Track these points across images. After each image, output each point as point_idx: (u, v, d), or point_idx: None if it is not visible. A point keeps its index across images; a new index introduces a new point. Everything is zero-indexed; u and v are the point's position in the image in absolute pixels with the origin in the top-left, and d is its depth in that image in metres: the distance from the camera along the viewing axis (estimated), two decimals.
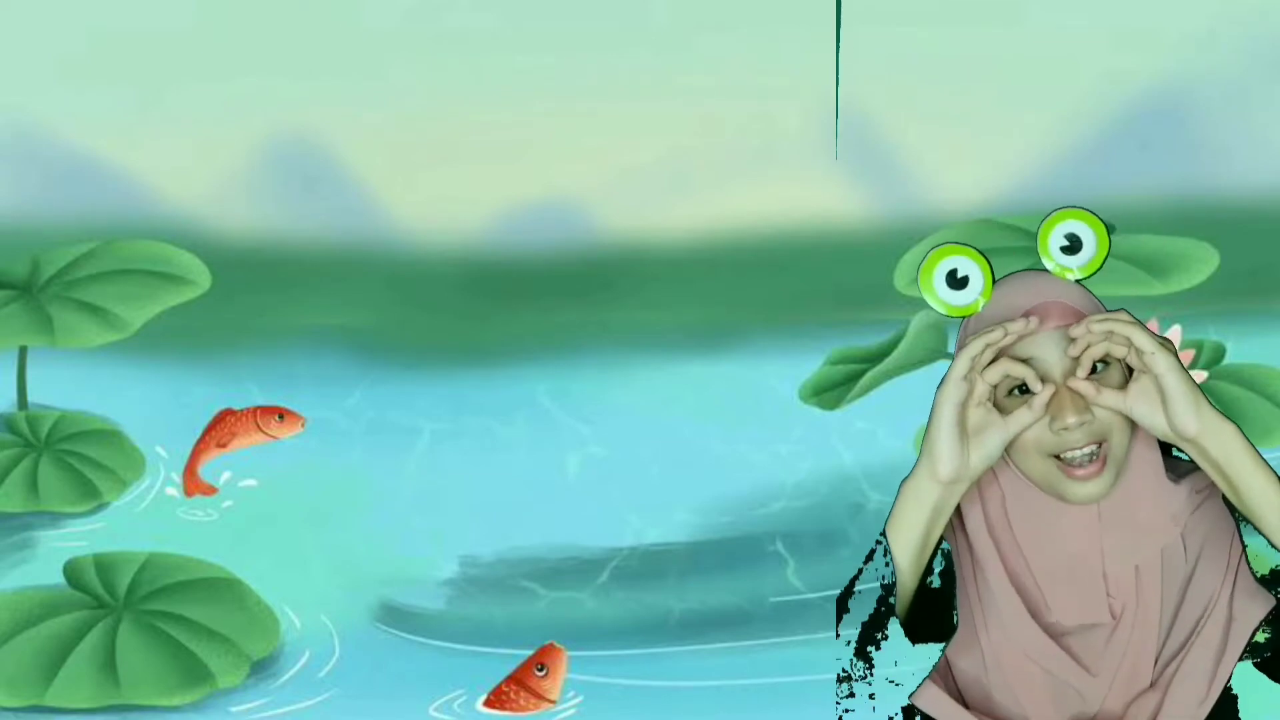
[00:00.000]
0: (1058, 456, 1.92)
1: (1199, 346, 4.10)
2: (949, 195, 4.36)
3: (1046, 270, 1.97)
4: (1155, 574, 1.93)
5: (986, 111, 4.34)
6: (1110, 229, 1.98)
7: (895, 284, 4.31)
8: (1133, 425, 1.93)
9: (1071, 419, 1.89)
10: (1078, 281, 1.97)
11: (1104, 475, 1.91)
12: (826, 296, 4.39)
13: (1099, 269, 1.96)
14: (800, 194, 4.36)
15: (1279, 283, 4.36)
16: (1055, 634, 1.93)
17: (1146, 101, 4.36)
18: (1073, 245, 1.96)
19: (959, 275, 1.96)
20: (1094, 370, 1.92)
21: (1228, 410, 4.42)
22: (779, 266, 4.36)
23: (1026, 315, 1.93)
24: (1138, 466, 1.95)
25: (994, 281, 1.97)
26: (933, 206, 4.36)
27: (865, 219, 4.38)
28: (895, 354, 4.29)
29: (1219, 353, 4.24)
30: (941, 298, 1.96)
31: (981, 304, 1.96)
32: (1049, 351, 1.92)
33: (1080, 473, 1.90)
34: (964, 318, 1.99)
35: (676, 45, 4.30)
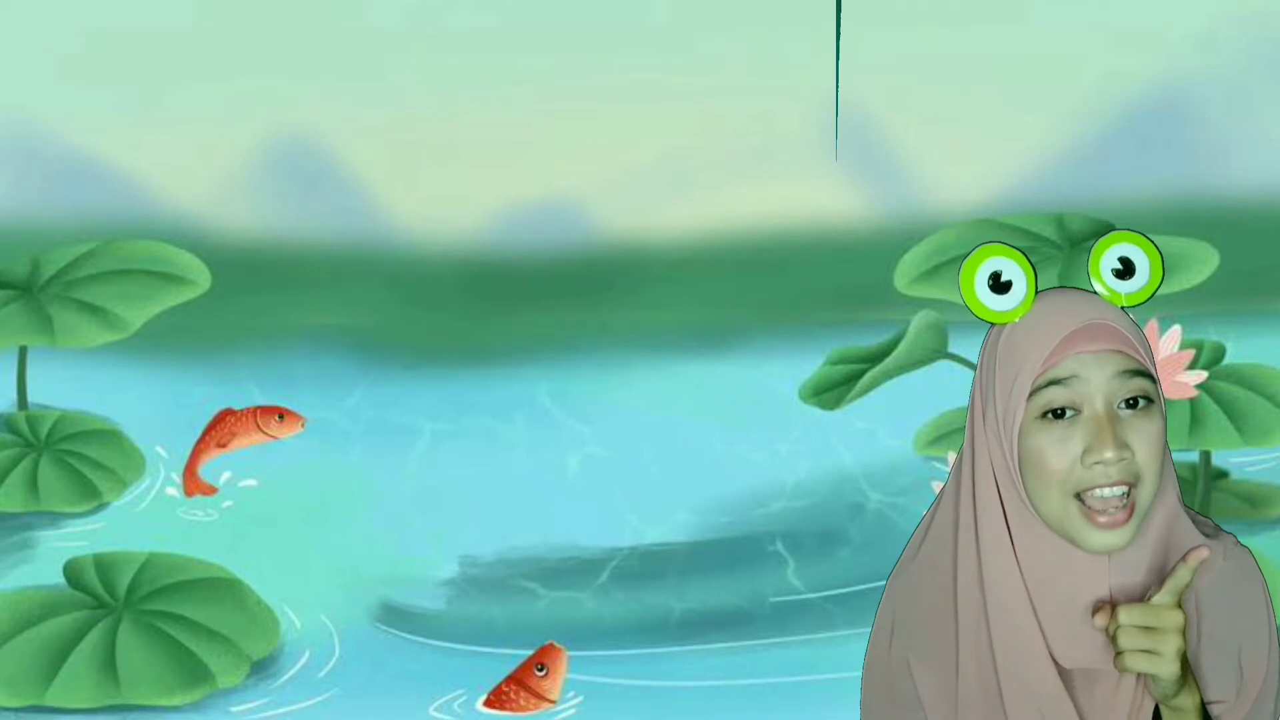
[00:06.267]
0: (1080, 497, 1.77)
1: (1199, 346, 4.10)
2: (949, 195, 4.35)
3: (1088, 290, 1.84)
4: None
5: (986, 111, 4.34)
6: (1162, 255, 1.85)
7: (895, 284, 4.31)
8: (1163, 468, 1.80)
9: (1109, 453, 1.74)
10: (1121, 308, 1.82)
11: (1128, 526, 1.76)
12: (826, 296, 4.39)
13: (1149, 298, 1.83)
14: (800, 194, 4.36)
15: (1279, 283, 4.36)
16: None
17: (1146, 101, 4.35)
18: (1125, 269, 1.83)
19: (1003, 279, 1.81)
20: (1135, 405, 1.78)
21: (1228, 410, 4.45)
22: (779, 266, 4.36)
23: (1066, 340, 1.78)
24: (1159, 520, 1.81)
25: (1036, 294, 1.82)
26: (933, 206, 4.36)
27: (865, 219, 4.38)
28: (895, 354, 4.29)
29: (1219, 353, 4.24)
30: (980, 299, 1.82)
31: (1019, 315, 1.82)
32: (1093, 373, 1.77)
33: (1104, 520, 1.75)
34: (996, 324, 1.84)
35: (676, 45, 4.30)
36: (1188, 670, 1.76)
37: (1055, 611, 1.80)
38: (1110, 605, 1.77)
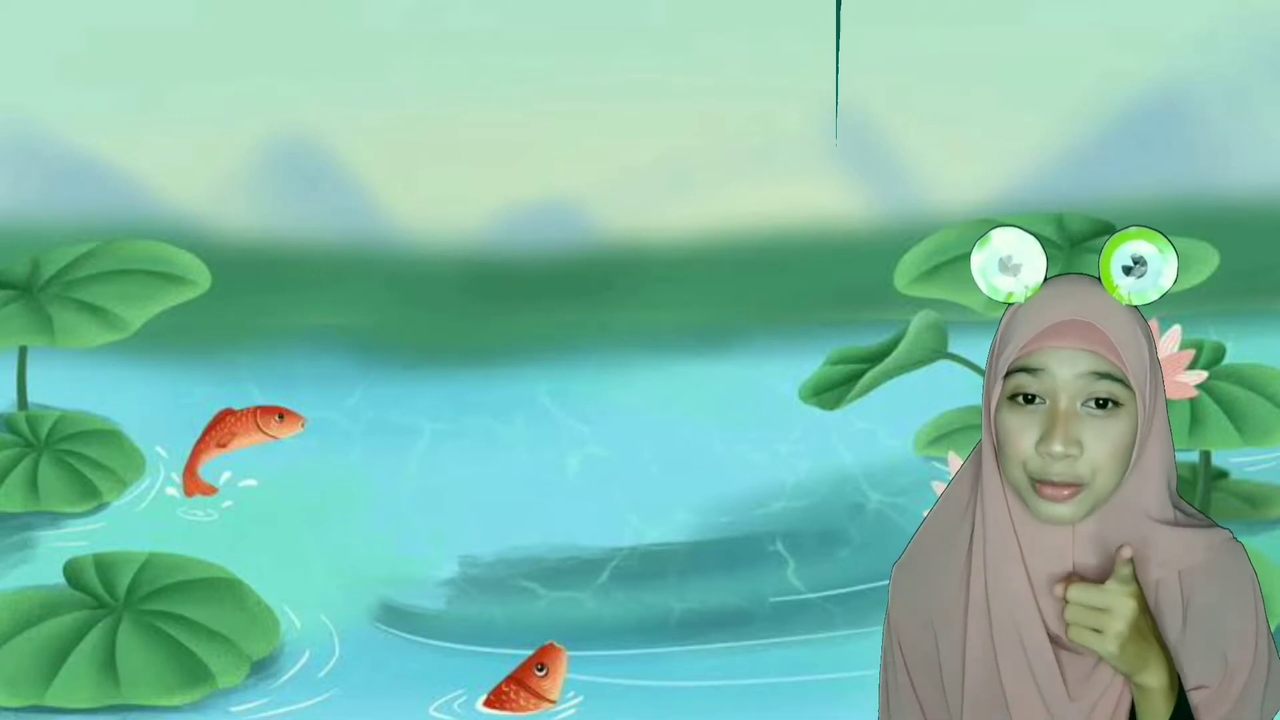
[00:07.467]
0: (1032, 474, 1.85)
1: (1199, 346, 4.10)
2: (949, 195, 4.36)
3: (1095, 279, 1.89)
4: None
5: (986, 111, 4.34)
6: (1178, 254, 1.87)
7: (895, 284, 4.31)
8: (1126, 467, 1.85)
9: (1057, 447, 1.82)
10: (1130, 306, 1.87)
11: (1073, 503, 1.84)
12: (826, 296, 4.39)
13: (1161, 297, 1.86)
14: (800, 194, 4.37)
15: (1279, 283, 4.37)
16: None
17: (1146, 101, 4.36)
18: (1136, 266, 1.86)
19: (1013, 262, 1.90)
20: (1103, 405, 1.84)
21: (1228, 410, 4.43)
22: (779, 266, 4.36)
23: (1044, 333, 1.85)
24: (1134, 507, 1.88)
25: (1045, 279, 1.89)
26: (933, 206, 4.36)
27: (865, 219, 4.38)
28: (895, 354, 4.29)
29: (1219, 353, 4.24)
30: (989, 279, 1.91)
31: (1026, 296, 1.90)
32: (1061, 369, 1.84)
33: (1049, 491, 1.84)
34: (1005, 304, 1.91)
35: (676, 45, 4.30)
36: (1151, 653, 1.82)
37: (1036, 578, 1.88)
38: (1069, 579, 1.85)
